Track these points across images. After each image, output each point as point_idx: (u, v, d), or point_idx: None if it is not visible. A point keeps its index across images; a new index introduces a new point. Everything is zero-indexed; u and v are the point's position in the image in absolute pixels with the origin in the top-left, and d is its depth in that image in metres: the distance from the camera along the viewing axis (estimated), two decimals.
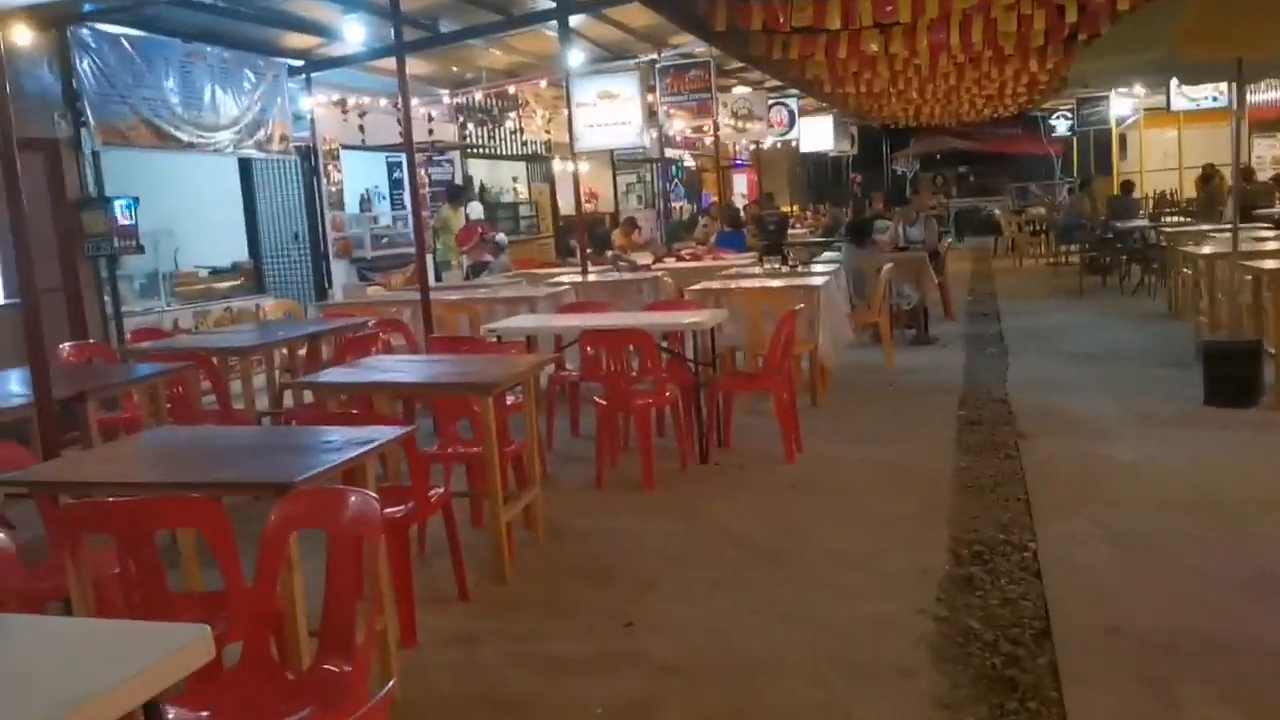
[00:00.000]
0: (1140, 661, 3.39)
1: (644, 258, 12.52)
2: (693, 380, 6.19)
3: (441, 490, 4.11)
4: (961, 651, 3.56)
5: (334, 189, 11.18)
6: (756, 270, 9.25)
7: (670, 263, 11.61)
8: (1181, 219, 14.39)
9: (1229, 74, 6.35)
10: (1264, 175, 17.35)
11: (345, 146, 11.46)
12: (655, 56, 13.93)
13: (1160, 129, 22.01)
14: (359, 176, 12.20)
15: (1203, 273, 8.24)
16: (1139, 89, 19.70)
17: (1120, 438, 6.09)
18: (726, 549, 4.69)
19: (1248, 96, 20.50)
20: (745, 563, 4.51)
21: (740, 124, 15.87)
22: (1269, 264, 6.47)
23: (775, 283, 7.89)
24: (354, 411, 4.26)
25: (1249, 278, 6.67)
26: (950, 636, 3.67)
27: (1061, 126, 27.08)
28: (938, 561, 4.36)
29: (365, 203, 12.34)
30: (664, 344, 6.35)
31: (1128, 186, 15.47)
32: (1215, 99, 13.86)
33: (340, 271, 11.22)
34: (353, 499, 2.57)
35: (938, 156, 31.81)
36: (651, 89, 14.43)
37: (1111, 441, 6.01)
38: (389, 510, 3.67)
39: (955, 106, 23.42)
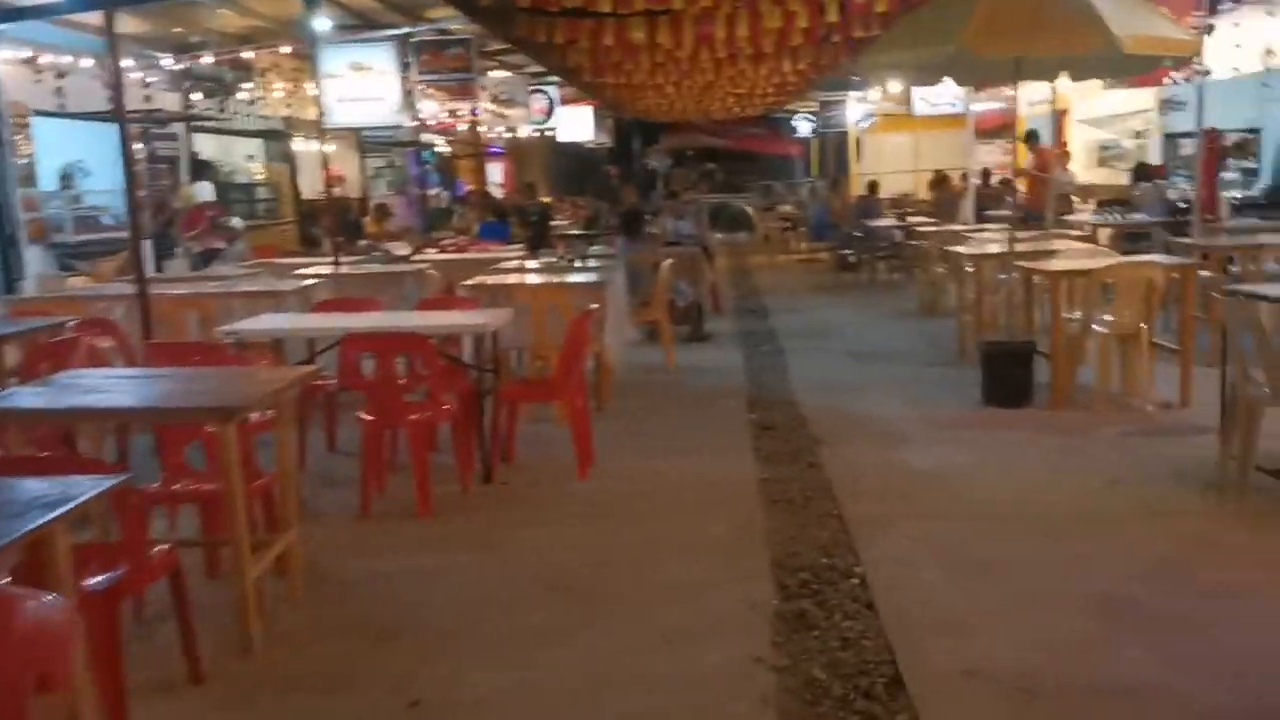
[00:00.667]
0: (1007, 710, 3.04)
1: (400, 248, 11.55)
2: (473, 389, 5.47)
3: (167, 547, 3.19)
4: (811, 712, 3.09)
5: (22, 161, 9.48)
6: (531, 264, 8.60)
7: (433, 254, 10.74)
8: (923, 219, 15.01)
9: (1010, 74, 6.36)
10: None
11: (40, 113, 9.76)
12: (411, 29, 12.95)
13: (893, 133, 23.22)
14: (60, 148, 10.47)
15: (968, 273, 8.37)
16: (891, 86, 20.64)
17: (914, 441, 5.94)
18: (531, 590, 4.02)
19: (970, 106, 22.04)
20: (555, 607, 3.87)
21: (501, 110, 15.12)
22: (1053, 265, 6.54)
23: (560, 279, 7.28)
24: (44, 455, 3.24)
25: (1026, 279, 6.73)
26: (796, 692, 3.20)
27: (804, 128, 28.16)
28: (765, 594, 3.90)
29: (67, 179, 10.62)
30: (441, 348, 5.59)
31: (873, 187, 16.06)
32: (954, 105, 14.60)
33: (35, 259, 9.54)
34: (28, 608, 1.72)
35: (689, 153, 32.35)
36: (408, 65, 13.45)
37: (908, 446, 5.84)
38: (91, 583, 2.75)
39: (708, 104, 23.70)
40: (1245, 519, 4.41)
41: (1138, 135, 15.20)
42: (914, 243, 12.36)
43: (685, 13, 11.76)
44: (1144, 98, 14.38)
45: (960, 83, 7.18)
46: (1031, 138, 13.07)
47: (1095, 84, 16.16)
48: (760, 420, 6.59)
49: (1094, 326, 6.22)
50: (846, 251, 13.82)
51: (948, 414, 6.53)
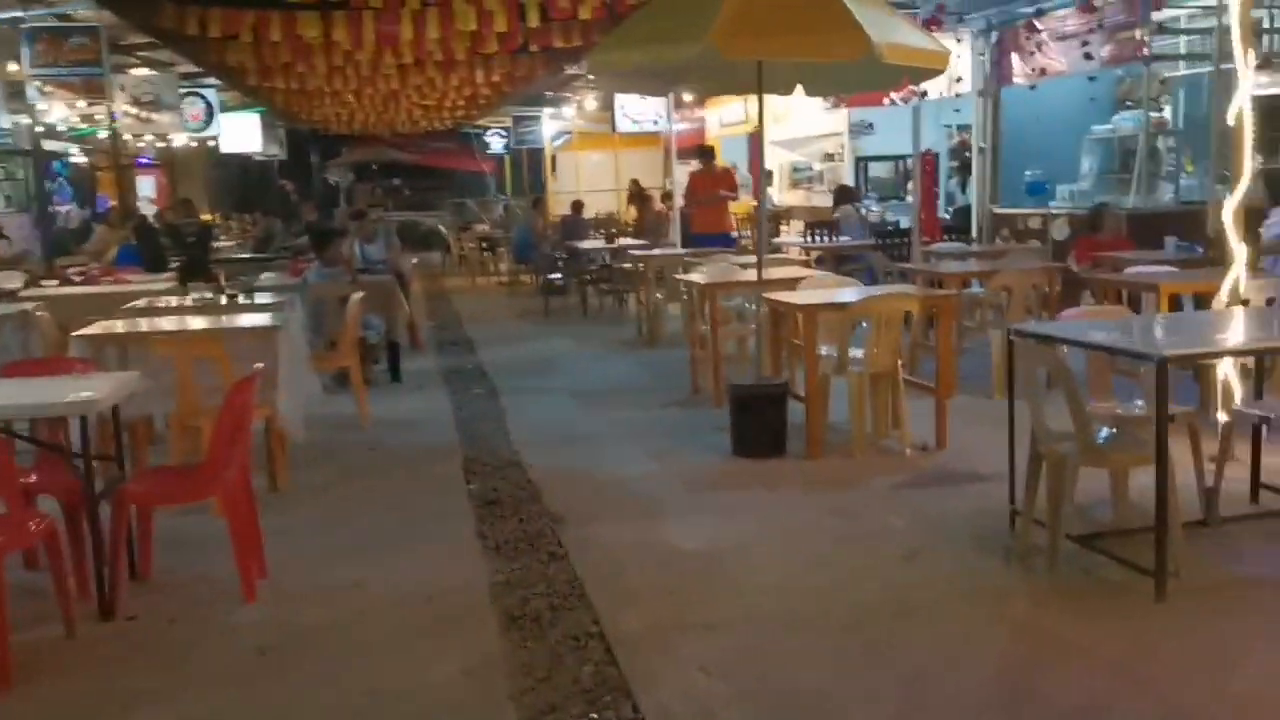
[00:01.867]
0: None
1: (12, 280, 9.26)
2: (82, 487, 3.87)
3: None
4: None
5: None
6: (180, 300, 6.88)
7: (52, 287, 8.60)
8: (631, 241, 14.40)
9: (751, 83, 5.60)
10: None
11: None
12: (20, 13, 10.59)
13: (591, 151, 22.78)
14: None
15: (697, 303, 7.63)
16: (588, 103, 20.05)
17: (671, 511, 4.98)
18: None
19: (673, 126, 21.96)
20: None
21: (144, 113, 12.84)
22: (804, 298, 5.83)
23: (217, 323, 5.69)
24: None
25: (773, 313, 6.00)
26: None
27: (496, 144, 27.15)
28: None
29: None
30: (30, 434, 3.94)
31: (578, 206, 15.30)
32: (656, 122, 14.12)
33: None
34: None
35: (373, 167, 30.35)
36: (16, 57, 11.03)
37: (665, 519, 4.87)
38: None
39: (392, 115, 22.12)
40: (1074, 601, 3.77)
41: (829, 158, 15.49)
42: (626, 266, 11.63)
43: (366, 7, 10.35)
44: (835, 120, 14.61)
45: (697, 92, 6.37)
46: (706, 154, 12.42)
47: (788, 105, 16.38)
48: (482, 492, 5.39)
49: (851, 365, 5.58)
50: (554, 275, 12.88)
51: (700, 469, 5.65)
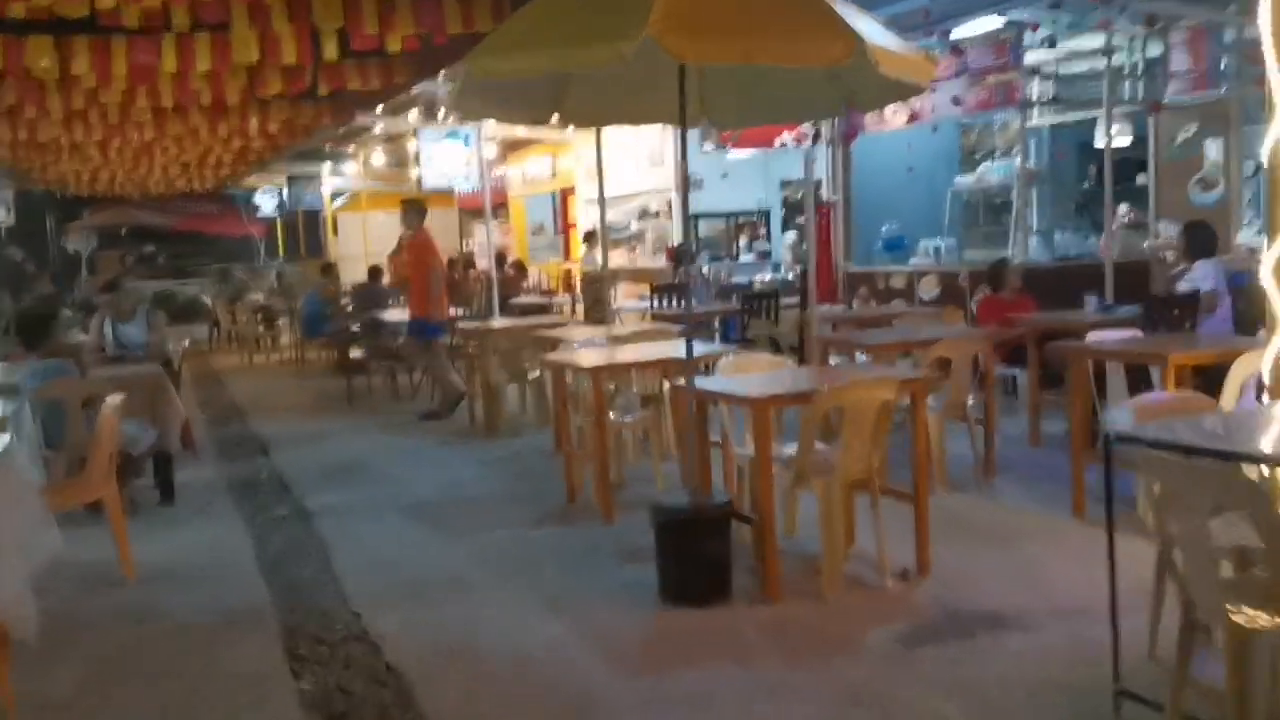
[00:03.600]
0: None
1: None
2: None
3: None
4: None
5: None
6: None
7: None
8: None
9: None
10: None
11: None
12: None
13: (379, 210, 20.85)
14: None
15: (570, 387, 6.14)
16: (376, 157, 18.15)
17: (607, 712, 3.45)
18: None
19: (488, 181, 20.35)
20: None
21: None
22: (737, 386, 4.45)
23: None
24: None
25: (700, 405, 4.58)
26: None
27: (268, 205, 24.65)
28: None
29: None
30: None
31: (376, 273, 13.43)
32: (467, 178, 12.59)
33: None
34: None
35: (122, 232, 26.93)
36: None
37: None
38: None
39: (145, 173, 19.45)
40: None
41: (646, 215, 14.43)
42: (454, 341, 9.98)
43: (117, 29, 8.31)
44: (661, 176, 13.57)
45: (582, 119, 4.94)
46: (417, 213, 9.81)
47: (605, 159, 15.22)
48: (322, 696, 3.65)
49: (811, 471, 4.25)
50: (358, 354, 10.97)
51: (625, 630, 4.13)
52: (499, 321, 9.52)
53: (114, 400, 5.10)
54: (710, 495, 4.49)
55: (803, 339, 7.36)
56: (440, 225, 20.22)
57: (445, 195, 20.40)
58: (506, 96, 4.33)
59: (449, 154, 12.20)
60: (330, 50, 8.67)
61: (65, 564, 4.56)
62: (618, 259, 14.76)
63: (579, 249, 16.42)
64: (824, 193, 10.50)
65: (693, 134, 13.26)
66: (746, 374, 4.82)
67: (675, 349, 6.22)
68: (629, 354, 6.02)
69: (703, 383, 4.50)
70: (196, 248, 28.36)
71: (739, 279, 12.02)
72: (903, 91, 4.23)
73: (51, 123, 12.54)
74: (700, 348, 5.54)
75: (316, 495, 6.60)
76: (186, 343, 8.65)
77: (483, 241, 19.32)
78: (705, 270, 11.05)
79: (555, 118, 4.68)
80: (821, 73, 4.25)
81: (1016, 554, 4.68)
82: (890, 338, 6.21)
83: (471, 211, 22.13)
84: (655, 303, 10.12)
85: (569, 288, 16.33)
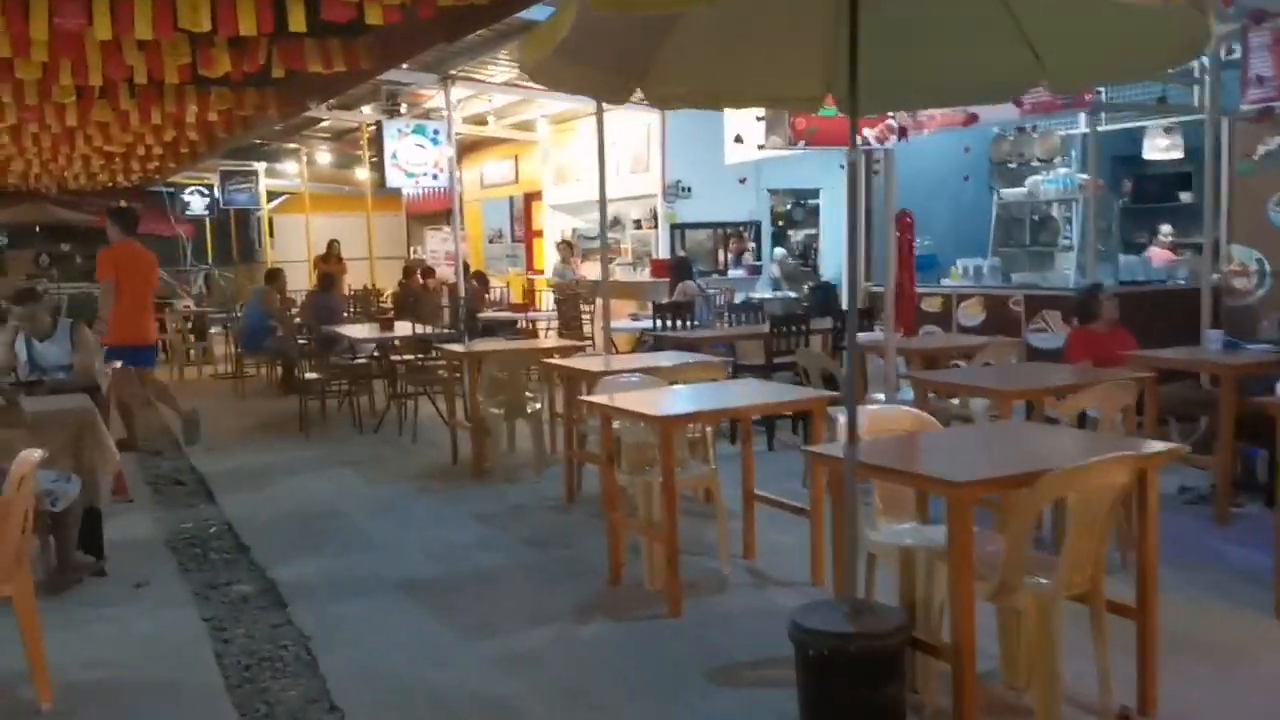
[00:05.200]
0: None
1: None
2: None
3: None
4: None
5: None
6: None
7: None
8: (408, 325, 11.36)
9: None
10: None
11: None
12: None
13: (321, 214, 19.36)
14: None
15: (657, 441, 4.94)
16: (320, 156, 16.75)
17: None
18: None
19: (404, 192, 19.00)
20: None
21: None
22: (925, 464, 3.32)
23: None
24: None
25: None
26: None
27: (197, 204, 22.91)
28: None
29: None
30: None
31: (328, 280, 12.05)
32: (436, 176, 11.28)
33: None
34: None
35: (36, 229, 24.85)
36: None
37: None
38: None
39: (64, 165, 17.72)
40: None
41: (637, 225, 13.31)
42: (431, 364, 8.73)
43: None
44: (646, 182, 12.46)
45: (677, 99, 3.76)
46: (126, 220, 8.82)
47: (574, 163, 14.12)
48: None
49: (1037, 583, 3.14)
50: (309, 373, 9.59)
51: None
52: (487, 343, 8.30)
53: (29, 457, 3.79)
54: (890, 617, 3.29)
55: (827, 374, 6.32)
56: (386, 232, 18.92)
57: (392, 199, 19.09)
58: (590, 59, 3.18)
59: (413, 151, 10.95)
60: (297, 19, 7.37)
61: None
62: (591, 272, 13.61)
63: (544, 259, 15.24)
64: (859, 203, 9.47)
65: (688, 132, 12.32)
66: (892, 435, 3.70)
67: (753, 392, 5.11)
68: (706, 398, 4.84)
69: (874, 455, 3.34)
70: None
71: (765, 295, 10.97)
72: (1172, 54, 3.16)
73: None
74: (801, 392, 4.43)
75: (283, 562, 5.32)
76: (118, 363, 7.23)
77: (435, 249, 18.13)
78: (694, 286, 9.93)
79: (637, 94, 3.53)
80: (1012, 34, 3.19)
81: (1243, 673, 3.66)
82: (1004, 381, 5.12)
83: (419, 217, 20.78)
84: (658, 323, 8.97)
85: (530, 302, 15.14)
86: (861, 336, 7.57)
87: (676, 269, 9.97)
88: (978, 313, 8.17)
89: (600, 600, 4.65)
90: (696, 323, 9.22)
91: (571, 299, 11.50)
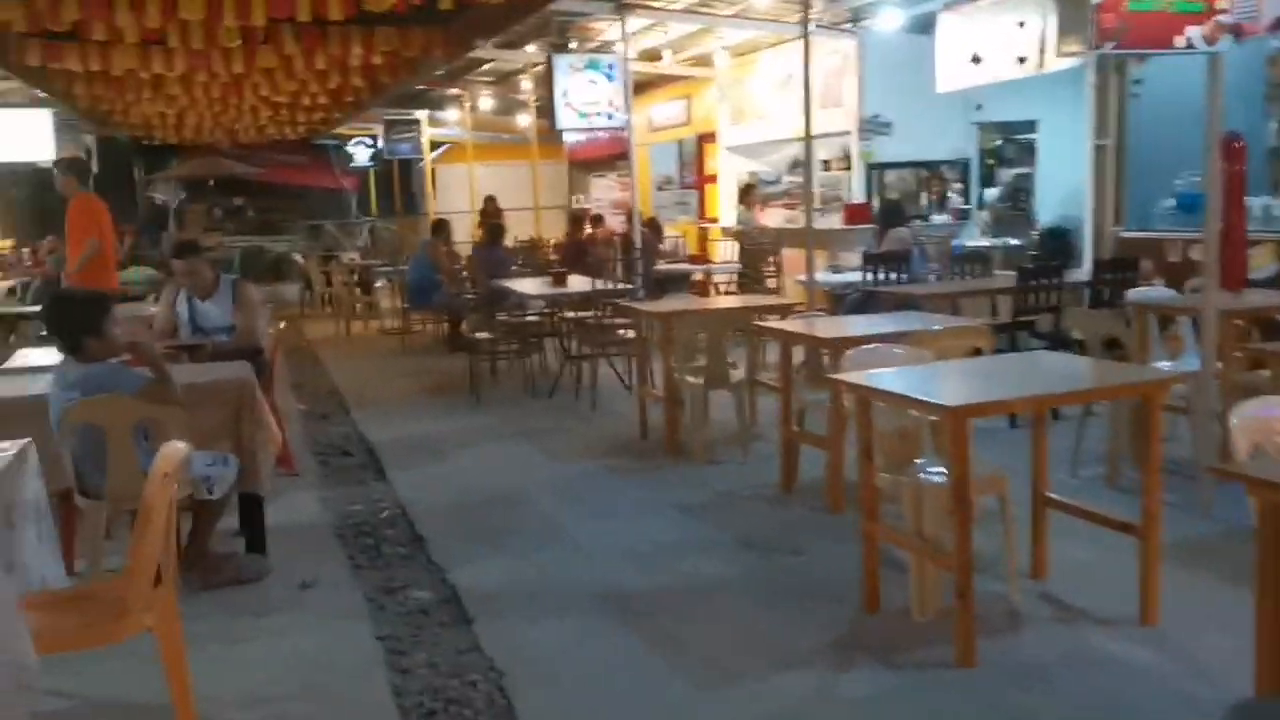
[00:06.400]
0: None
1: None
2: None
3: None
4: None
5: None
6: None
7: None
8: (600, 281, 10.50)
9: None
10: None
11: None
12: None
13: (483, 163, 18.83)
14: None
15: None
16: (484, 101, 16.12)
17: None
18: None
19: (566, 139, 18.22)
20: None
21: None
22: None
23: None
24: None
25: None
26: None
27: (361, 156, 22.81)
28: None
29: None
30: None
31: (497, 232, 11.35)
32: (611, 116, 10.37)
33: None
34: None
35: (211, 183, 25.37)
36: None
37: None
38: None
39: (233, 117, 17.68)
40: None
41: (825, 166, 12.08)
42: (609, 322, 7.88)
43: None
44: (838, 118, 11.21)
45: None
46: (75, 169, 8.09)
47: (756, 102, 12.96)
48: None
49: None
50: (484, 333, 8.88)
51: None
52: (678, 301, 7.38)
53: (174, 452, 3.07)
54: None
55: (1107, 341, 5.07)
56: (547, 181, 18.20)
57: (554, 146, 18.33)
58: None
59: (586, 89, 10.07)
60: None
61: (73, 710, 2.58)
62: (773, 219, 12.50)
63: (718, 206, 14.19)
64: (1089, 135, 8.06)
65: (889, 60, 10.99)
66: None
67: (1062, 370, 4.00)
68: (1003, 379, 3.77)
69: None
70: (285, 201, 26.79)
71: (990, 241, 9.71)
72: None
73: (125, 50, 10.73)
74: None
75: (464, 561, 4.55)
76: (281, 325, 6.67)
77: (600, 197, 17.33)
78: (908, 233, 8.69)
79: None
80: None
81: None
82: None
83: (581, 164, 20.02)
84: (868, 276, 7.83)
85: (704, 251, 14.14)
86: (1143, 293, 6.26)
87: (886, 214, 8.75)
88: (1267, 261, 6.72)
89: (858, 634, 3.67)
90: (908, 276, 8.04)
91: (755, 250, 10.46)
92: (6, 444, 3.22)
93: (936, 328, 4.70)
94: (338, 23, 9.48)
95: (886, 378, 3.71)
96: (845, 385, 3.72)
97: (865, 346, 4.19)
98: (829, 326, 5.29)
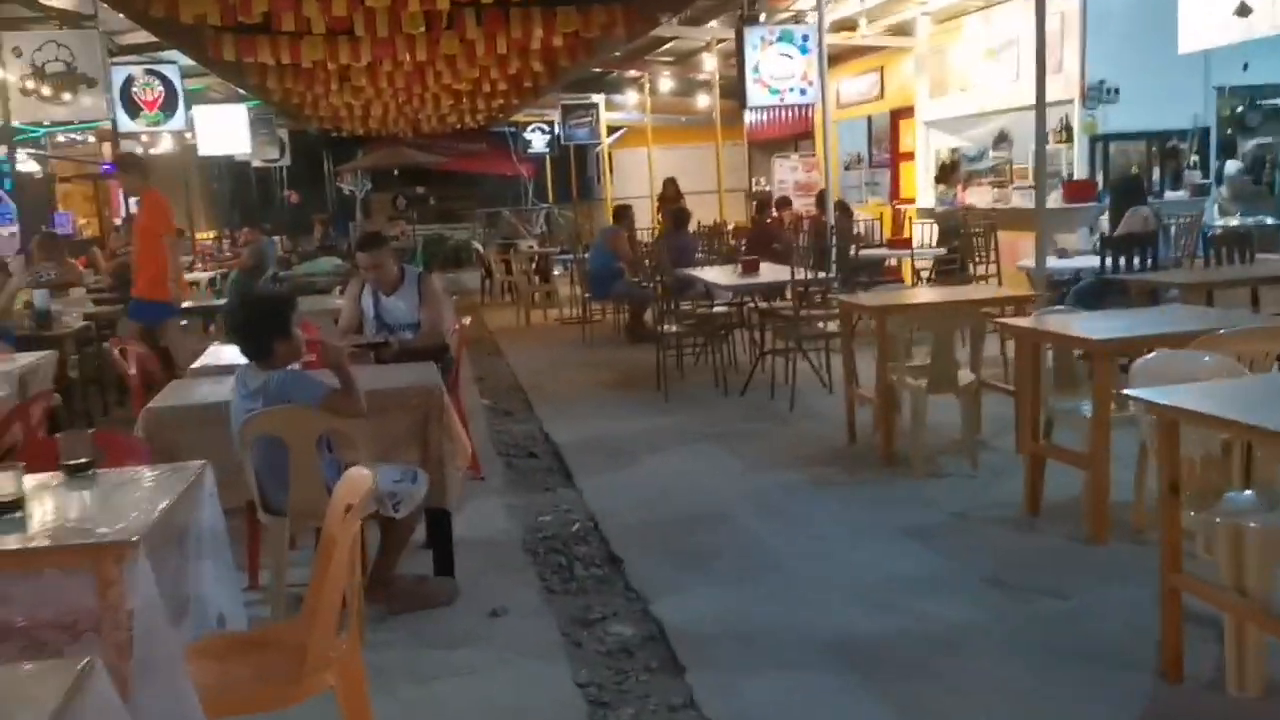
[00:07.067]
0: None
1: None
2: None
3: None
4: None
5: None
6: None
7: None
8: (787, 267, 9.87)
9: None
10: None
11: None
12: None
13: (660, 146, 18.41)
14: None
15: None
16: (664, 82, 15.66)
17: None
18: None
19: (746, 115, 17.55)
20: None
21: (45, 87, 8.54)
22: None
23: None
24: None
25: None
26: None
27: (539, 142, 22.81)
28: None
29: None
30: None
31: (680, 218, 10.85)
32: (804, 91, 9.71)
33: None
34: None
35: (395, 173, 26.03)
36: None
37: None
38: None
39: (416, 107, 17.86)
40: None
41: (1001, 140, 11.01)
42: (807, 314, 7.25)
43: None
44: (1059, 85, 10.13)
45: None
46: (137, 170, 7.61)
47: (960, 73, 11.98)
48: None
49: None
50: (670, 326, 8.39)
51: None
52: (901, 293, 6.69)
53: (359, 482, 2.67)
54: None
55: None
56: (727, 163, 17.58)
57: (734, 126, 17.69)
58: None
59: (778, 63, 9.43)
60: None
61: None
62: (980, 198, 11.50)
63: (916, 186, 13.24)
64: None
65: (1116, 18, 9.86)
66: None
67: None
68: None
69: None
70: (464, 189, 27.24)
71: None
72: None
73: (314, 41, 10.78)
74: None
75: (666, 589, 4.06)
76: (466, 321, 6.37)
77: (783, 179, 16.58)
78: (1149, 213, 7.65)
79: None
80: None
81: None
82: None
83: (761, 145, 19.30)
84: (1106, 262, 6.89)
85: (899, 234, 13.21)
86: None
87: (1123, 191, 7.74)
88: None
89: (1163, 712, 2.96)
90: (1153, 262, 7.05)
91: (966, 233, 9.57)
92: (182, 466, 2.92)
93: (1246, 326, 3.85)
94: (520, 4, 9.18)
95: (1213, 397, 2.95)
96: (1160, 409, 2.96)
97: (1158, 353, 3.43)
98: (1088, 325, 4.50)
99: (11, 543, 2.28)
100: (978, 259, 9.43)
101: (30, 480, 2.74)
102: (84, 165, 19.18)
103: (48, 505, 2.57)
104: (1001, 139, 12.17)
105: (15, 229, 10.89)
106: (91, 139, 16.93)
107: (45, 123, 11.18)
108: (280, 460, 3.62)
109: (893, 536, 4.51)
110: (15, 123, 9.08)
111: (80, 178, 20.32)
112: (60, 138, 16.65)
